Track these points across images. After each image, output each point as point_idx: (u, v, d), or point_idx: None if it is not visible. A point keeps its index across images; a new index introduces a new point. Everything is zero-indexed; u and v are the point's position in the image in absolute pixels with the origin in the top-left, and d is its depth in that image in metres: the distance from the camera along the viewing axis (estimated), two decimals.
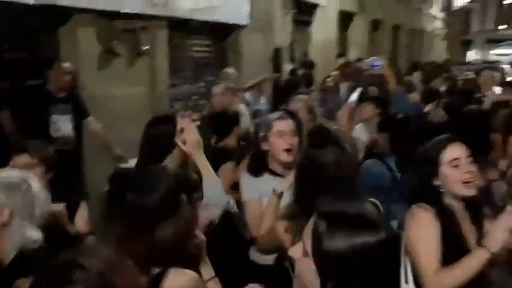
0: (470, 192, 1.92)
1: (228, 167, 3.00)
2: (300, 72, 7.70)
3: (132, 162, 2.37)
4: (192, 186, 1.65)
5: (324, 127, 2.96)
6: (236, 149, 3.38)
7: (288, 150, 2.46)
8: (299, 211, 1.84)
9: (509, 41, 31.75)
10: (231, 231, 2.41)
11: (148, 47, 5.15)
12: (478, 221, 1.96)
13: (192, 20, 6.03)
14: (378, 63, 6.03)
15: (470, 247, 1.87)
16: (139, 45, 5.05)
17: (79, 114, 4.23)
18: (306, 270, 1.16)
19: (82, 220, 2.34)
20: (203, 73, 6.66)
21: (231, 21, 6.74)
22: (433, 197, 1.97)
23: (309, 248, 1.16)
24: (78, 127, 4.23)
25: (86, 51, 4.56)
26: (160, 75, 5.52)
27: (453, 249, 1.84)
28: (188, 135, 2.16)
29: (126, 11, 4.75)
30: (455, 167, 1.93)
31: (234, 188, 2.75)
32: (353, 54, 11.48)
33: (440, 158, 1.96)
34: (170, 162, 2.20)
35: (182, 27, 6.04)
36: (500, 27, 32.34)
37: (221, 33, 6.99)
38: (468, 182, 1.92)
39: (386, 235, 1.13)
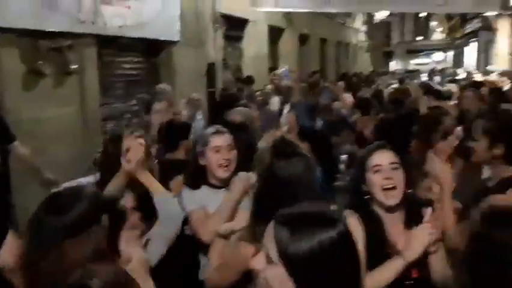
0: (390, 202, 1.98)
1: (178, 181, 2.85)
2: (240, 87, 7.83)
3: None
4: (111, 206, 1.60)
5: (287, 139, 3.00)
6: (185, 162, 3.31)
7: (225, 166, 2.50)
8: (261, 229, 1.83)
9: (427, 51, 34.09)
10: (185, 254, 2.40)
11: (76, 66, 4.98)
12: (412, 225, 1.97)
13: (122, 37, 5.94)
14: (287, 73, 6.40)
15: (396, 253, 1.92)
16: (67, 64, 4.88)
17: (4, 139, 4.00)
18: (274, 277, 1.15)
19: (8, 251, 2.11)
20: (135, 91, 6.55)
21: (162, 38, 6.70)
22: (360, 203, 2.04)
23: (273, 255, 1.15)
24: (4, 152, 4.00)
25: (10, 72, 4.34)
26: (90, 94, 5.36)
27: (376, 255, 1.89)
28: (133, 154, 2.15)
29: (51, 29, 4.59)
30: (377, 172, 2.00)
31: None
32: (285, 67, 11.81)
33: (367, 164, 2.03)
34: (115, 183, 2.18)
35: (112, 45, 5.93)
36: (418, 38, 34.62)
37: (153, 50, 6.93)
38: (388, 189, 1.97)
39: (344, 226, 1.17)
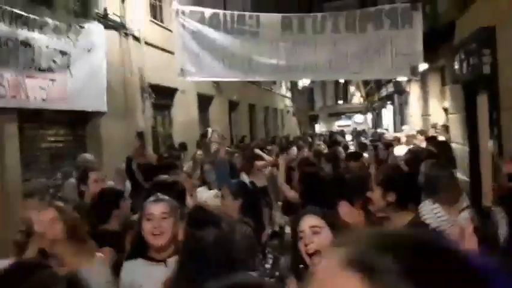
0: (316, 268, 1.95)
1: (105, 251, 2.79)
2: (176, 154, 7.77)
3: None
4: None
5: (204, 207, 2.99)
6: (117, 234, 3.14)
7: (157, 234, 2.40)
8: None
9: (347, 114, 36.25)
10: None
11: None
12: None
13: (46, 110, 5.77)
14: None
15: None
16: None
17: None
18: None
19: None
20: (60, 164, 6.28)
21: (88, 109, 6.58)
22: (296, 270, 2.03)
23: None
24: None
25: None
26: (11, 170, 5.07)
27: None
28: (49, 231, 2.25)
29: None
30: (301, 239, 2.01)
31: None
32: (215, 133, 11.95)
33: (297, 230, 2.06)
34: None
35: (35, 118, 5.73)
36: (339, 102, 36.83)
37: (79, 121, 6.77)
38: (311, 254, 1.96)
39: None
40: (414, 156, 4.81)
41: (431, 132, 9.75)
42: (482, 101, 6.58)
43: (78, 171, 4.42)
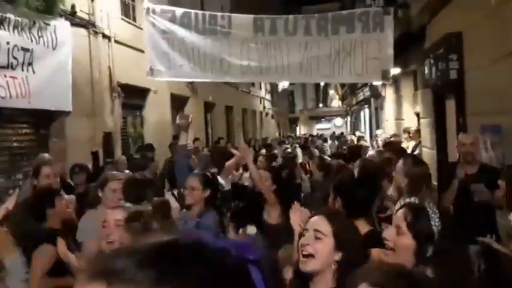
0: (303, 267, 1.84)
1: (45, 249, 2.89)
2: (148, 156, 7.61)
3: None
4: None
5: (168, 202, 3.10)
6: (54, 230, 3.10)
7: (110, 242, 2.36)
8: None
9: (327, 117, 36.42)
10: None
11: None
12: None
13: (6, 108, 5.58)
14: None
15: None
16: None
17: None
18: None
19: None
20: (21, 164, 6.09)
21: (51, 108, 6.38)
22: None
23: None
24: None
25: None
26: None
27: None
28: None
29: None
30: (302, 237, 1.90)
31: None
32: (190, 135, 11.81)
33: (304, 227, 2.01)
34: None
35: None
36: (319, 105, 36.99)
37: (42, 121, 6.57)
38: (305, 255, 1.84)
39: None
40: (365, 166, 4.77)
41: (404, 137, 9.80)
42: (451, 106, 6.62)
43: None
